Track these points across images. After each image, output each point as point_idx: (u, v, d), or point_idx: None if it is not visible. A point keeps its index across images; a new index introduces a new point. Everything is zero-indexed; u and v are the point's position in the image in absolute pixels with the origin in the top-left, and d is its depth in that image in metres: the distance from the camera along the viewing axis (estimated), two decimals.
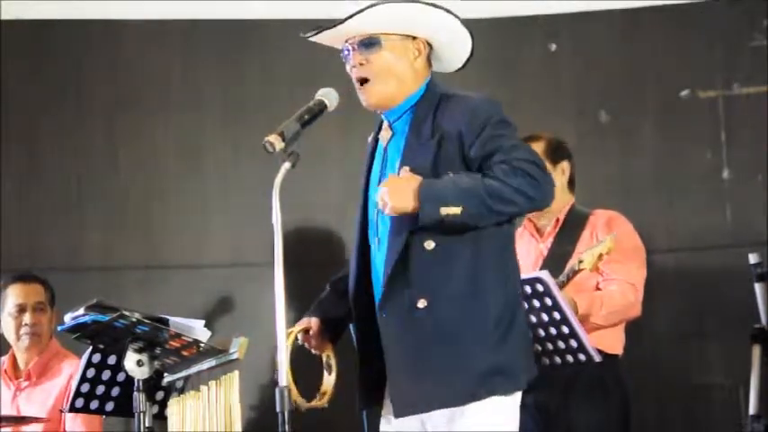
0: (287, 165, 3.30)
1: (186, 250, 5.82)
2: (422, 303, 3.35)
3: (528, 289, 4.13)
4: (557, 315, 4.18)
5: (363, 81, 3.49)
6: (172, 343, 3.73)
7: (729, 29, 5.79)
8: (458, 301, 3.35)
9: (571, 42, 5.92)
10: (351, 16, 3.44)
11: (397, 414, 3.40)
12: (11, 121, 5.75)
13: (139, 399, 3.80)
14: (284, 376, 3.18)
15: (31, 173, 5.82)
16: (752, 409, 4.29)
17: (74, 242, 5.79)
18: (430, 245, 3.35)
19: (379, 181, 3.51)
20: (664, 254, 5.56)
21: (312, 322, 3.61)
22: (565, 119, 5.81)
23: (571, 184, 4.79)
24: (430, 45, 3.54)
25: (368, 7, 3.42)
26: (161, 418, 4.11)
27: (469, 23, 3.54)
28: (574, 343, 4.21)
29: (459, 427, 3.35)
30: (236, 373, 3.55)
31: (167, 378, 3.97)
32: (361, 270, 3.53)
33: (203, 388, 3.66)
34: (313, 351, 3.63)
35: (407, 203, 3.28)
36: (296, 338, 3.57)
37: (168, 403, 4.04)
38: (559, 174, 4.69)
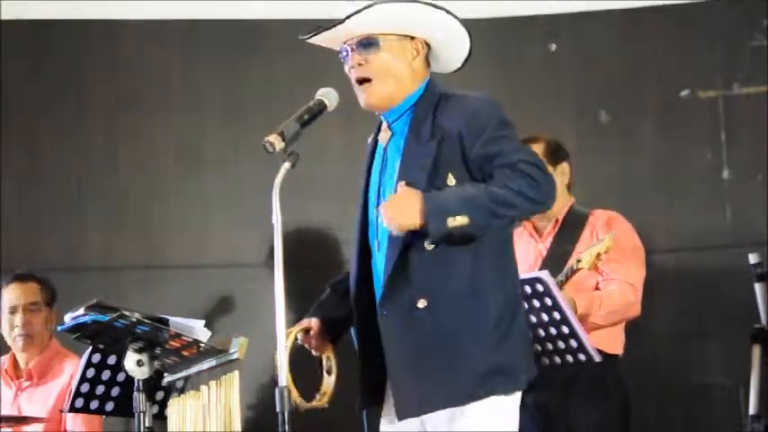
0: (287, 165, 3.30)
1: (186, 250, 5.82)
2: (422, 303, 3.35)
3: (528, 289, 4.14)
4: (557, 315, 4.19)
5: (362, 81, 3.48)
6: (172, 343, 3.73)
7: (729, 29, 5.79)
8: (458, 301, 3.34)
9: (571, 42, 5.92)
10: (348, 17, 3.43)
11: (400, 416, 3.40)
12: (11, 121, 5.75)
13: (139, 399, 3.79)
14: (284, 376, 3.18)
15: (31, 173, 5.82)
16: (752, 409, 4.29)
17: (74, 242, 5.80)
18: (430, 245, 3.35)
19: (379, 182, 3.51)
20: (664, 254, 5.56)
21: (312, 323, 3.60)
22: (565, 119, 5.81)
23: (569, 184, 4.80)
24: (428, 45, 3.53)
25: (365, 8, 3.41)
26: (161, 418, 4.11)
27: (469, 23, 3.53)
28: (574, 343, 4.21)
29: (459, 427, 3.34)
30: (236, 373, 3.55)
31: (167, 378, 3.97)
32: (361, 271, 3.52)
33: (203, 388, 3.66)
34: (313, 352, 3.63)
35: (413, 220, 3.26)
36: (296, 339, 3.56)
37: (168, 403, 4.04)
38: (560, 175, 4.69)
